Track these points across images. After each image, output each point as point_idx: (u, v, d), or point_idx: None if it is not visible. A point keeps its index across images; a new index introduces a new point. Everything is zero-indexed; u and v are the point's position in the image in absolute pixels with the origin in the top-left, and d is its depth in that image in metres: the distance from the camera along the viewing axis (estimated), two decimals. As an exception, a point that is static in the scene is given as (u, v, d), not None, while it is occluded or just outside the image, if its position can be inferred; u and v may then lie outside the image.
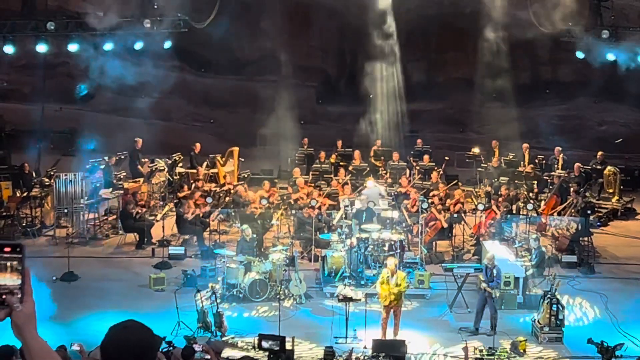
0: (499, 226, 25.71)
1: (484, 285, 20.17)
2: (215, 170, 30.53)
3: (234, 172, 30.62)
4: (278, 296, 21.19)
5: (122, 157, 30.16)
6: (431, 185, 28.65)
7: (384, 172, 30.65)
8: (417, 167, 30.90)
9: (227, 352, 18.14)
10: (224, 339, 19.13)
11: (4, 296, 3.54)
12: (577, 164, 29.84)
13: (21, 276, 3.57)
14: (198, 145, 31.27)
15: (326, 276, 22.92)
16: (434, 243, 25.57)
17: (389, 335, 19.26)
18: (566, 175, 29.22)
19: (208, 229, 26.28)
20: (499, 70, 37.80)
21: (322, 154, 31.30)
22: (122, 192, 28.17)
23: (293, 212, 26.39)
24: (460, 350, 17.79)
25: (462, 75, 39.11)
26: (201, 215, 26.19)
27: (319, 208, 25.93)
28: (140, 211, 26.64)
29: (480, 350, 18.38)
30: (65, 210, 27.18)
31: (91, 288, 22.32)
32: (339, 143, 32.72)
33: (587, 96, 37.37)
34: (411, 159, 31.87)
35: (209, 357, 14.05)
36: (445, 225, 25.23)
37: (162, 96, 38.46)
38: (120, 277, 23.49)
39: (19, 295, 3.56)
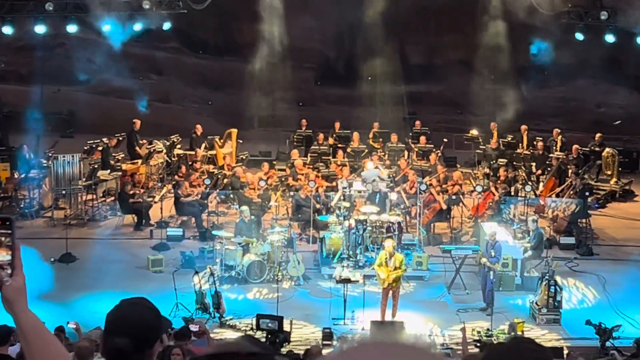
0: (497, 208, 25.71)
1: (484, 260, 20.30)
2: (213, 152, 30.50)
3: (232, 153, 30.58)
4: (276, 277, 21.23)
5: (120, 138, 30.10)
6: (429, 167, 28.63)
7: (382, 153, 30.58)
8: (416, 149, 30.85)
9: (224, 333, 18.20)
10: (222, 320, 19.19)
11: None
12: (575, 146, 29.81)
13: (11, 251, 3.54)
14: (199, 127, 31.19)
15: (324, 258, 22.95)
16: (432, 225, 25.57)
17: (387, 317, 19.31)
18: (564, 157, 29.21)
19: (206, 211, 26.29)
20: (497, 52, 37.72)
21: (321, 136, 31.21)
22: (120, 173, 28.16)
23: (291, 193, 26.38)
24: (458, 331, 17.84)
25: (461, 57, 38.98)
26: (200, 197, 26.18)
27: (317, 189, 25.91)
28: (138, 193, 26.64)
29: (478, 332, 18.43)
30: (64, 192, 27.15)
31: (89, 269, 22.35)
32: (337, 125, 32.62)
33: (586, 78, 37.27)
34: (409, 140, 31.82)
35: (205, 336, 14.08)
36: (445, 206, 25.23)
37: (160, 78, 38.41)
38: (118, 258, 23.51)
39: (9, 271, 3.54)
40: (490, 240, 20.57)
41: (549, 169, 28.87)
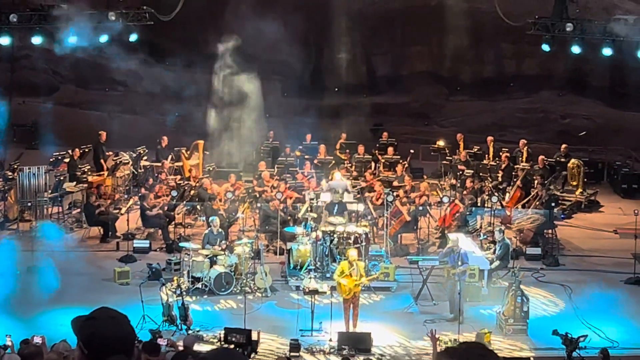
0: (463, 219, 25.77)
1: (453, 271, 20.29)
2: (180, 164, 30.42)
3: (199, 165, 30.53)
4: (243, 289, 21.19)
5: (86, 150, 29.96)
6: (396, 178, 28.69)
7: (349, 165, 30.62)
8: (383, 160, 30.92)
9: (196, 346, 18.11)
10: (189, 332, 19.10)
11: None
12: (541, 157, 29.95)
13: None
14: (165, 138, 31.14)
15: (292, 269, 22.94)
16: (399, 236, 25.60)
17: (350, 328, 19.35)
18: (529, 167, 29.36)
19: (173, 223, 26.20)
20: (463, 64, 37.89)
21: (288, 148, 31.24)
22: (86, 185, 28.02)
23: (258, 205, 26.34)
24: (426, 341, 17.88)
25: (427, 68, 39.12)
26: (166, 208, 26.11)
27: (285, 201, 25.91)
28: (104, 204, 26.49)
29: (446, 343, 18.44)
30: (29, 204, 26.96)
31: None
32: (308, 137, 32.64)
33: (552, 89, 37.51)
34: (376, 152, 31.87)
35: (174, 350, 14.01)
36: (409, 218, 25.24)
37: (126, 89, 38.24)
38: (84, 270, 23.36)
39: None
40: (454, 247, 20.65)
41: (514, 179, 29.00)
